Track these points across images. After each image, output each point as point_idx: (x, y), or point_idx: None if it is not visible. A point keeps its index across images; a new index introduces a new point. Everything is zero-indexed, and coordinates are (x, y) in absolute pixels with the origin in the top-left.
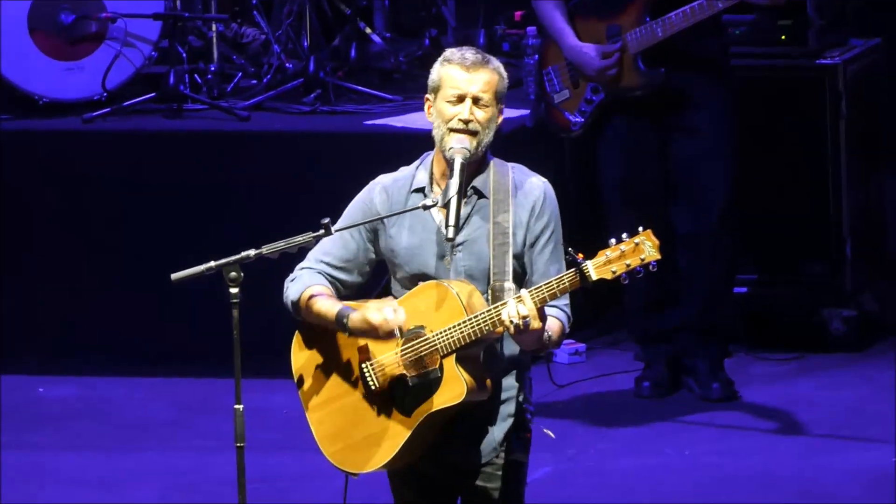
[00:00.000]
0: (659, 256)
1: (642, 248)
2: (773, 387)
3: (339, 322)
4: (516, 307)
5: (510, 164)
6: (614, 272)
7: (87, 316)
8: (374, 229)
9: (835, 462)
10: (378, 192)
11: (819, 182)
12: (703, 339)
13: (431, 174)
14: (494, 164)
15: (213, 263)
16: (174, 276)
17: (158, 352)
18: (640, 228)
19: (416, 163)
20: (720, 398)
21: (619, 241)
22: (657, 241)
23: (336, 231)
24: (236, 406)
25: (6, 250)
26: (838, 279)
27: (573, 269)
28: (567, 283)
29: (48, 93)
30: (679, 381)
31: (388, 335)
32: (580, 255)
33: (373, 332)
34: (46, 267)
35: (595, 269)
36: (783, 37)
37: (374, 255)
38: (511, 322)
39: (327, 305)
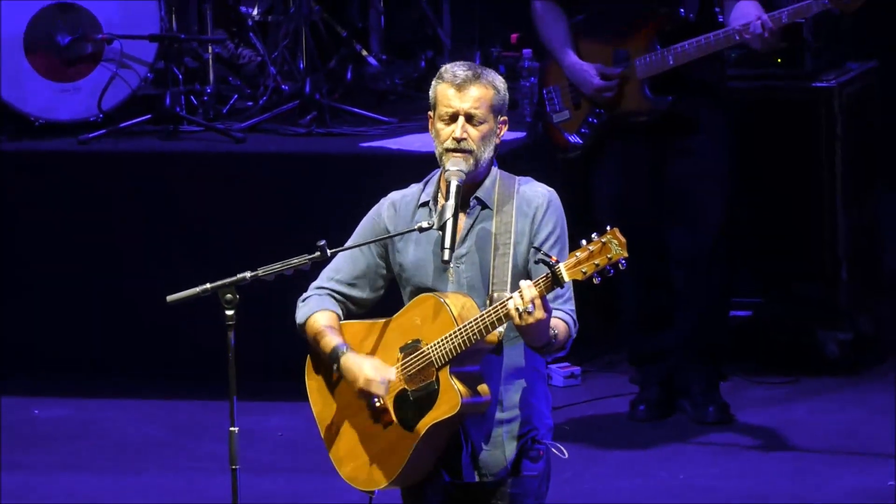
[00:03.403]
0: (626, 254)
1: (609, 247)
2: (769, 409)
3: (333, 357)
4: (521, 294)
5: (518, 178)
6: (584, 273)
7: (82, 337)
8: (384, 245)
9: (830, 485)
10: (387, 208)
11: (814, 204)
12: (697, 360)
13: (437, 189)
14: (500, 176)
15: (208, 285)
16: (170, 297)
17: (154, 373)
18: (608, 227)
19: (426, 178)
20: (715, 421)
21: (589, 241)
22: (624, 240)
23: (345, 248)
24: (231, 428)
25: (1, 271)
26: (834, 301)
27: (547, 272)
28: (542, 287)
29: (44, 113)
30: (674, 404)
31: (365, 395)
32: (553, 258)
33: (356, 381)
34: (41, 287)
35: (567, 270)
36: (779, 59)
37: (385, 271)
38: (517, 310)
39: (326, 337)
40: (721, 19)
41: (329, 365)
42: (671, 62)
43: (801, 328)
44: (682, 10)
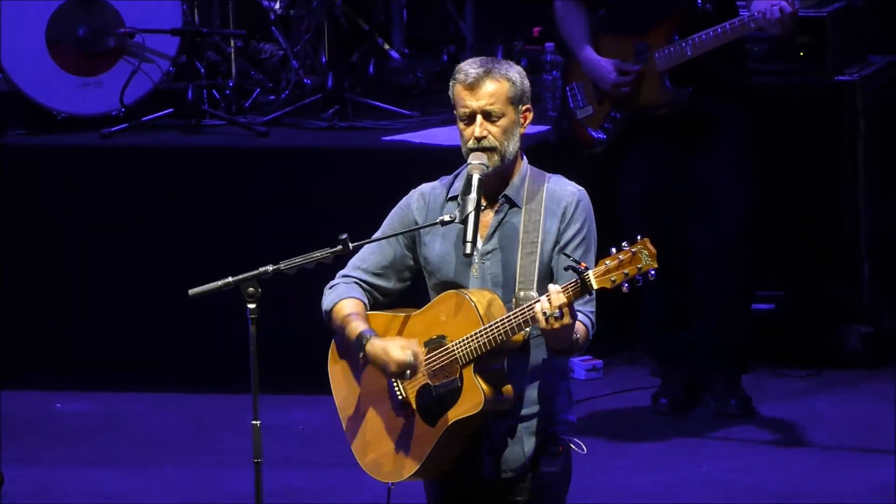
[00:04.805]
0: (656, 265)
1: (640, 256)
2: (790, 403)
3: (358, 343)
4: (550, 299)
5: (548, 174)
6: (613, 281)
7: (104, 331)
8: (411, 236)
9: (852, 478)
10: (416, 199)
11: (836, 200)
12: (719, 357)
13: (465, 183)
14: (530, 172)
15: (230, 279)
16: (192, 291)
17: (176, 367)
18: (639, 237)
19: (456, 172)
20: (737, 414)
21: (619, 250)
22: (654, 250)
23: (372, 240)
24: (254, 422)
25: (24, 265)
26: (856, 297)
27: (575, 279)
28: (571, 293)
29: (66, 108)
30: (696, 397)
31: (398, 374)
32: (582, 265)
33: (386, 365)
34: (64, 282)
35: (595, 278)
36: (801, 53)
37: (411, 262)
38: (544, 314)
39: (352, 323)
40: (742, 9)
41: (355, 351)
42: (689, 53)
43: (823, 322)
44: (699, 1)
